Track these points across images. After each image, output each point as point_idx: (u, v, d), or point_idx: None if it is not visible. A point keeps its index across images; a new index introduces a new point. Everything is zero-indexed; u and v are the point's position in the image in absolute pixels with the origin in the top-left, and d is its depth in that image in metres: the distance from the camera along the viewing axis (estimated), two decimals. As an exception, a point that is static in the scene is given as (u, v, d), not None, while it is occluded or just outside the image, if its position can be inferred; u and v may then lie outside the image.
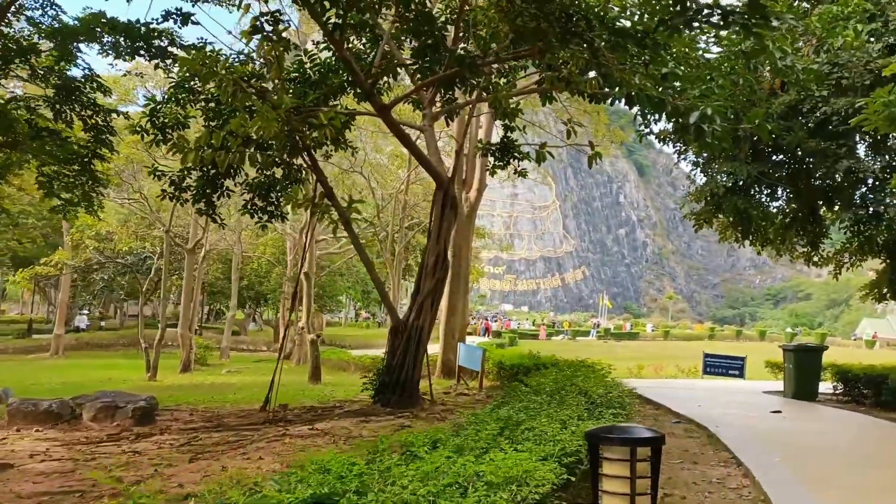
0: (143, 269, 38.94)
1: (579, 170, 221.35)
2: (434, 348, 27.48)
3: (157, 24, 12.43)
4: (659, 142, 19.23)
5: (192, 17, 12.75)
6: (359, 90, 14.41)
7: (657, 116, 17.29)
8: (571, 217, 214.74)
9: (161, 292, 28.71)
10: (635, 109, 12.90)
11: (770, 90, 15.03)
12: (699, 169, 19.16)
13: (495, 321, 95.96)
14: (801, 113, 15.34)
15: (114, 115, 14.46)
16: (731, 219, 18.49)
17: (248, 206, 14.14)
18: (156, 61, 13.07)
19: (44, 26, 13.16)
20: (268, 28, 13.70)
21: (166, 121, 13.96)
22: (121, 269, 41.71)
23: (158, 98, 14.14)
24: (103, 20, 12.18)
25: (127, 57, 12.99)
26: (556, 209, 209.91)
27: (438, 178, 14.54)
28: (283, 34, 12.49)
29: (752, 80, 13.67)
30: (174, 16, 12.45)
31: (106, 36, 12.43)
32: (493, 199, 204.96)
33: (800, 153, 16.42)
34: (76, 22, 12.79)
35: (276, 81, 13.31)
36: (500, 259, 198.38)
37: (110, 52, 12.71)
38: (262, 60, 13.58)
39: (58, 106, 13.49)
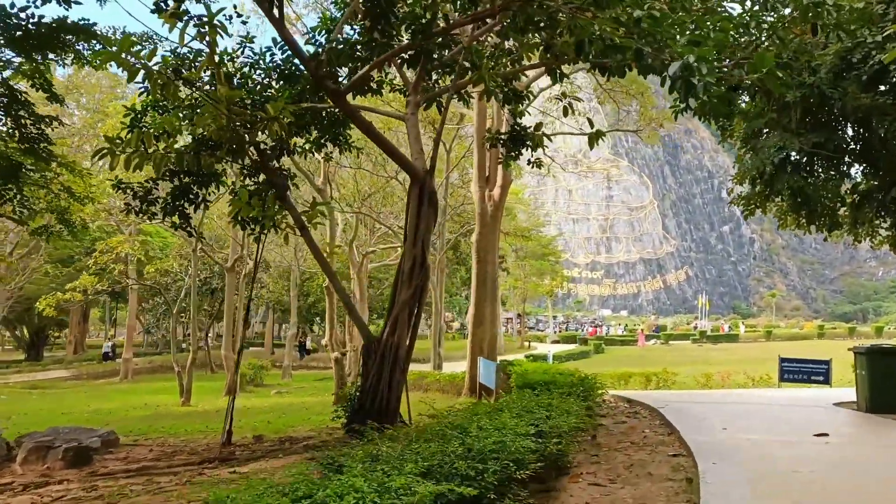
0: (204, 291, 38.77)
1: (677, 167, 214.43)
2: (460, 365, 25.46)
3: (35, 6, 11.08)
4: (700, 119, 16.65)
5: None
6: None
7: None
8: (671, 216, 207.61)
9: (190, 312, 27.98)
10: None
11: (800, 35, 12.32)
12: (748, 146, 16.47)
13: (595, 327, 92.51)
14: (851, 65, 12.59)
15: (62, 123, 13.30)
16: (786, 201, 15.77)
17: (167, 206, 12.67)
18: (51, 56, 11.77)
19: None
20: (194, 10, 12.22)
21: (151, 131, 12.61)
22: (183, 292, 41.73)
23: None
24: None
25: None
26: (654, 209, 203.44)
27: (413, 171, 12.65)
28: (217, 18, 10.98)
29: (779, 26, 11.12)
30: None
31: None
32: (587, 202, 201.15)
33: (860, 115, 13.57)
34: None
35: (209, 72, 11.88)
36: (597, 263, 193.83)
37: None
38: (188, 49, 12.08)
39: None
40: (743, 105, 16.48)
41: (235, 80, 13.63)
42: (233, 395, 12.18)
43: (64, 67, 13.34)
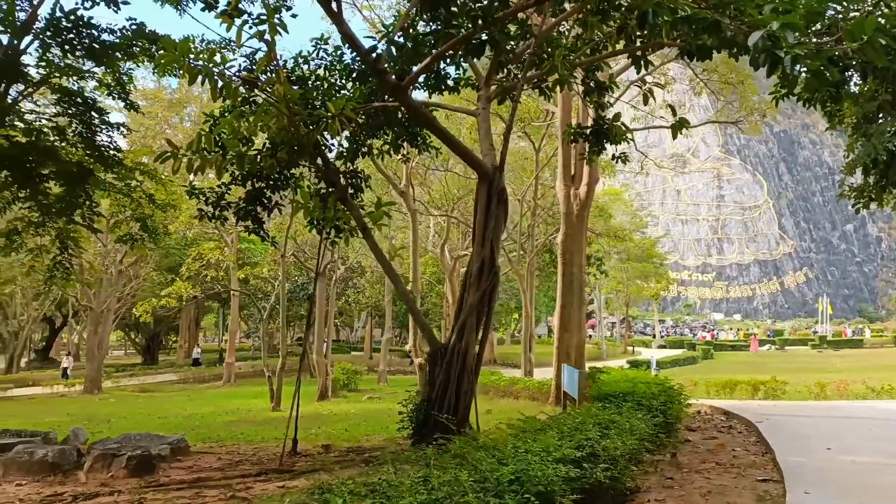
0: (301, 296, 39.34)
1: (794, 164, 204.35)
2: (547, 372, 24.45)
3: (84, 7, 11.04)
4: (804, 105, 15.21)
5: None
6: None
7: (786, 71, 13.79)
8: (788, 215, 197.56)
9: (282, 319, 28.20)
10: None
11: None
12: (860, 132, 14.88)
13: (710, 331, 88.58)
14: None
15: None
16: (903, 191, 14.15)
17: (239, 211, 12.43)
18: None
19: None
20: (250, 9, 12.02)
21: (227, 136, 12.53)
22: (273, 297, 42.58)
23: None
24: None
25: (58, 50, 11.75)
26: (768, 208, 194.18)
27: (480, 168, 11.96)
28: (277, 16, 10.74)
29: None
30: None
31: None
32: (696, 202, 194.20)
33: None
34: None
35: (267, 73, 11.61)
36: (708, 266, 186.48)
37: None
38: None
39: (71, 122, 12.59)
40: (854, 89, 14.98)
41: (310, 82, 13.45)
42: (295, 402, 11.85)
43: (136, 77, 13.37)
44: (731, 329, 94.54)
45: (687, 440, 10.55)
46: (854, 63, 11.68)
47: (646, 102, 12.39)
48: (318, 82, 13.47)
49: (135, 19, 11.83)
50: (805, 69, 7.80)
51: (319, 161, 12.15)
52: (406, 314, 48.88)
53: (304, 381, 35.51)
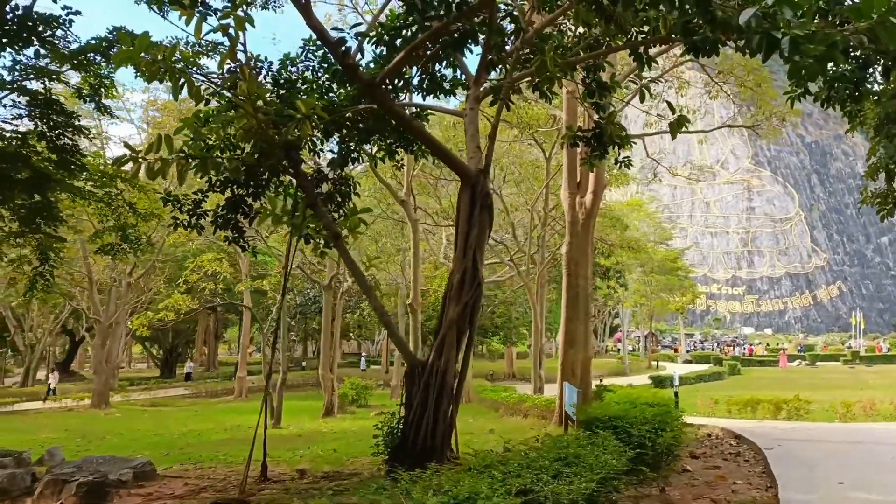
0: (313, 311, 38.67)
1: (826, 176, 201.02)
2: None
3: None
4: (822, 105, 14.17)
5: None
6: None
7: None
8: (820, 228, 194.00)
9: (281, 332, 27.45)
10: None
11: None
12: (882, 133, 13.80)
13: (739, 346, 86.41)
14: None
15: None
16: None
17: (218, 220, 11.70)
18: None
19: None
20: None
21: (211, 142, 11.79)
22: (292, 311, 42.03)
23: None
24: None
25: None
26: (800, 220, 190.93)
27: (463, 171, 11.14)
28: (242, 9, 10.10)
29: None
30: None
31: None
32: (726, 215, 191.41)
33: None
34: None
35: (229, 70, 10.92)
36: (738, 279, 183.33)
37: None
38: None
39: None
40: (878, 87, 13.96)
41: (298, 84, 12.77)
42: (258, 424, 11.04)
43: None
44: (759, 343, 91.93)
45: (685, 470, 9.54)
46: (866, 48, 10.67)
47: (642, 100, 11.48)
48: (304, 85, 12.80)
49: (70, 8, 11.10)
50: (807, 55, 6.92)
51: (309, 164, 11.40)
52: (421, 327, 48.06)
53: (315, 395, 34.54)
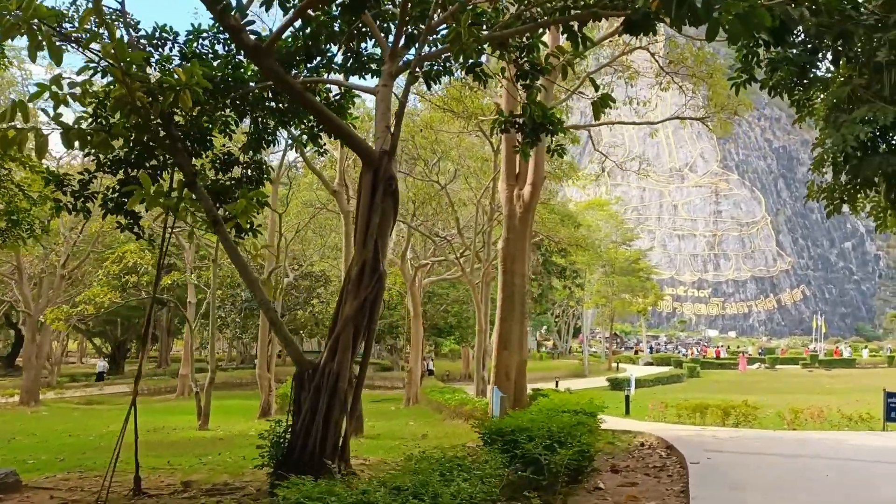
0: (254, 307, 37.21)
1: (793, 180, 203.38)
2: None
3: None
4: (769, 93, 13.26)
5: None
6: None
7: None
8: (786, 232, 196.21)
9: (210, 330, 26.10)
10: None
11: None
12: (830, 124, 12.91)
13: (716, 348, 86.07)
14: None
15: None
16: (882, 193, 12.18)
17: (108, 203, 10.46)
18: None
19: None
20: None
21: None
22: (239, 308, 40.58)
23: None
24: None
25: None
26: (766, 224, 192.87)
27: (365, 153, 10.03)
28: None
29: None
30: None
31: None
32: (693, 217, 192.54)
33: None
34: None
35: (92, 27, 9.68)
36: (704, 282, 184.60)
37: None
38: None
39: None
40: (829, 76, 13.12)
41: (210, 58, 11.61)
42: (122, 432, 9.82)
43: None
44: (721, 346, 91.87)
45: (598, 488, 8.52)
46: (808, 24, 9.71)
47: (564, 77, 10.46)
48: (217, 60, 11.62)
49: None
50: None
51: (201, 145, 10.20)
52: (384, 326, 46.76)
53: (256, 396, 33.11)
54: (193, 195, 9.54)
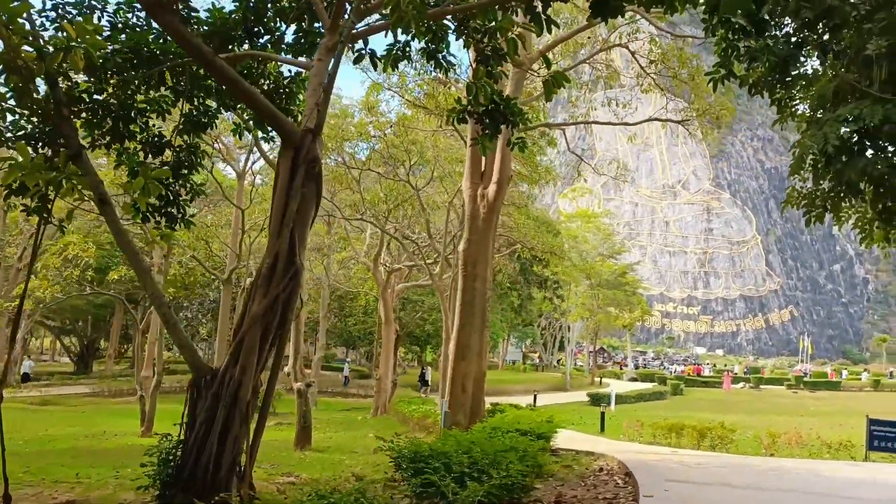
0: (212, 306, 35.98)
1: (783, 201, 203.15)
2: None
3: None
4: (749, 92, 12.14)
5: None
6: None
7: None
8: (776, 252, 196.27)
9: (159, 329, 24.88)
10: None
11: None
12: (813, 124, 11.81)
13: (697, 364, 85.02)
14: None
15: None
16: (867, 199, 11.07)
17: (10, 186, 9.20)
18: None
19: None
20: None
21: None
22: (204, 308, 39.32)
23: None
24: None
25: None
26: (756, 244, 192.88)
27: (285, 130, 8.86)
28: None
29: None
30: None
31: None
32: (685, 234, 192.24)
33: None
34: None
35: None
36: (694, 299, 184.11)
37: None
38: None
39: None
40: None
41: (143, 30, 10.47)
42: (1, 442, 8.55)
43: None
44: (707, 363, 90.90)
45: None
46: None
47: (510, 57, 9.34)
48: (153, 33, 10.47)
49: None
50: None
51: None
52: (350, 330, 45.39)
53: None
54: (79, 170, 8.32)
